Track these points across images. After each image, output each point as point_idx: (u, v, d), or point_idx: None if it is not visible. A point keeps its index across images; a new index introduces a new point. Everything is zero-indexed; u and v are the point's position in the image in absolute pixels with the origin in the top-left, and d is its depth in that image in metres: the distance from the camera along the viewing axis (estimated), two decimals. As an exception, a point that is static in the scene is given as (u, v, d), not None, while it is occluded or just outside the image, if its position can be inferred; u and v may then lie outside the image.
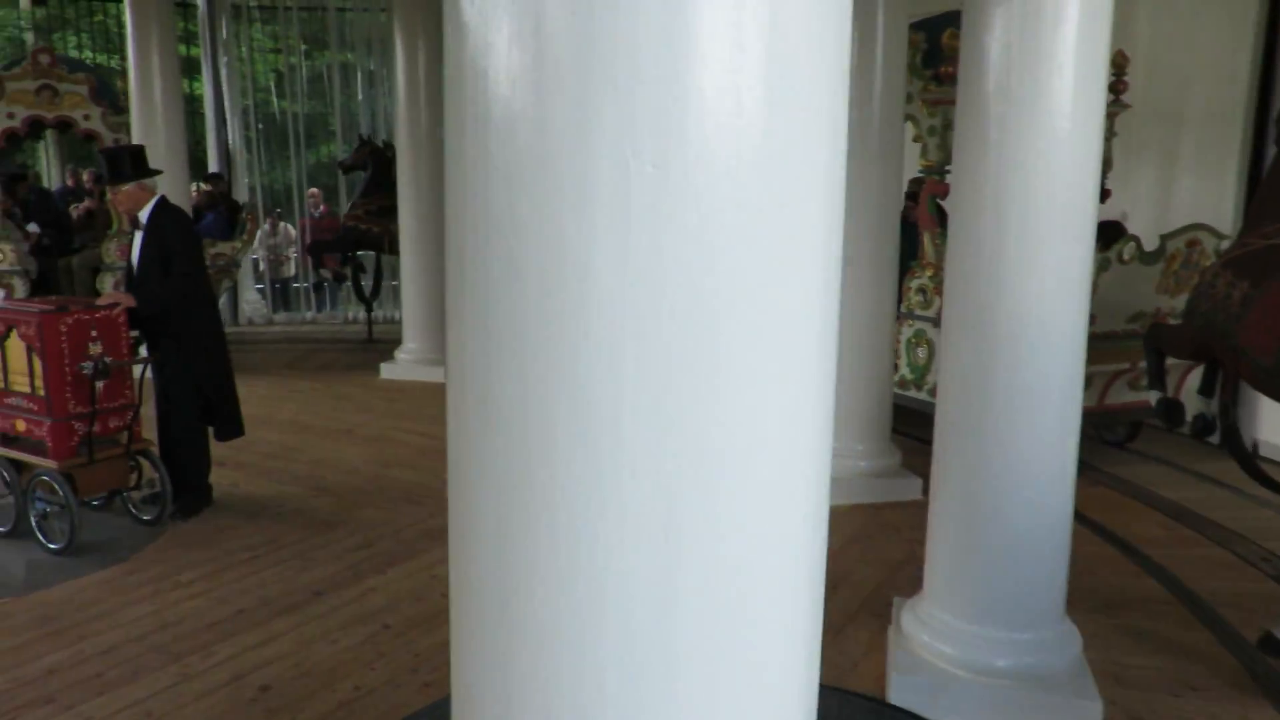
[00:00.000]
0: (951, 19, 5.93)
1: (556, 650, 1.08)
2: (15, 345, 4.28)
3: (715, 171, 0.99)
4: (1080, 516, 4.39)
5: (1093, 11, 2.88)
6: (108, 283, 8.26)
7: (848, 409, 5.28)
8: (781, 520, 1.11)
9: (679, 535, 1.04)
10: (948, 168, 5.87)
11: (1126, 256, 5.36)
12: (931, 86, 5.88)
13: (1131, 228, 6.05)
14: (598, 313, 1.00)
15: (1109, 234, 5.25)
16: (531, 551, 1.07)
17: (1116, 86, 5.46)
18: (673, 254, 0.99)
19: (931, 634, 3.26)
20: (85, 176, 9.52)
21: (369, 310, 10.59)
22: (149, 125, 7.83)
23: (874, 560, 4.48)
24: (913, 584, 3.65)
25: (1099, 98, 3.00)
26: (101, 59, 11.65)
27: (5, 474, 4.46)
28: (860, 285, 5.15)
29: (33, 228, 8.53)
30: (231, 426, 5.06)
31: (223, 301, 10.25)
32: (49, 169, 11.83)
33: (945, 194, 5.88)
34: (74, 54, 11.61)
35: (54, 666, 3.42)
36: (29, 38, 11.86)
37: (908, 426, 6.06)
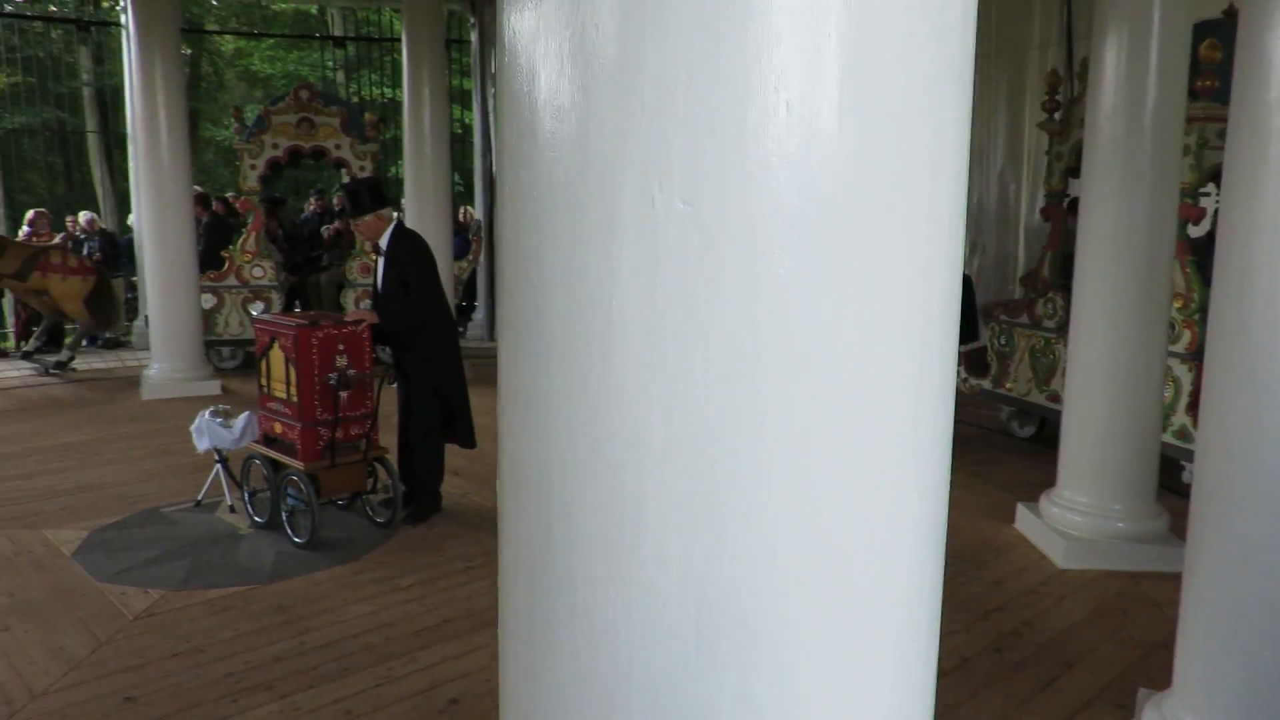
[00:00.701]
0: (1210, 28, 5.19)
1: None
2: (277, 355, 4.73)
3: (762, 211, 0.81)
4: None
5: None
6: (349, 298, 9.10)
7: (1103, 461, 4.68)
8: (853, 635, 0.90)
9: (713, 639, 0.87)
10: (1202, 190, 5.20)
11: None
12: (1187, 102, 5.15)
13: None
14: (620, 370, 0.85)
15: None
16: (550, 644, 0.94)
17: None
18: (708, 305, 0.82)
19: (1177, 741, 2.76)
20: (335, 201, 10.55)
21: None
22: (418, 154, 8.49)
23: (1123, 639, 3.90)
24: (1167, 673, 3.11)
25: None
26: (388, 92, 12.89)
27: (265, 471, 4.93)
28: (1123, 320, 4.54)
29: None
30: (465, 437, 5.29)
31: (479, 317, 10.93)
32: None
33: (1198, 219, 5.23)
34: (368, 90, 12.92)
35: (279, 654, 3.70)
36: (336, 76, 13.34)
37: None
